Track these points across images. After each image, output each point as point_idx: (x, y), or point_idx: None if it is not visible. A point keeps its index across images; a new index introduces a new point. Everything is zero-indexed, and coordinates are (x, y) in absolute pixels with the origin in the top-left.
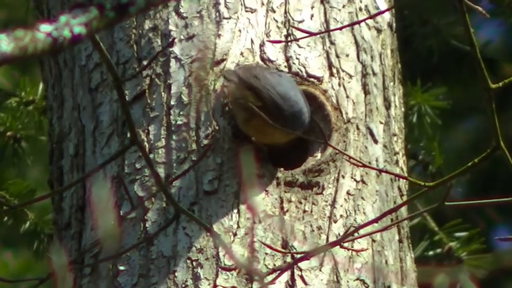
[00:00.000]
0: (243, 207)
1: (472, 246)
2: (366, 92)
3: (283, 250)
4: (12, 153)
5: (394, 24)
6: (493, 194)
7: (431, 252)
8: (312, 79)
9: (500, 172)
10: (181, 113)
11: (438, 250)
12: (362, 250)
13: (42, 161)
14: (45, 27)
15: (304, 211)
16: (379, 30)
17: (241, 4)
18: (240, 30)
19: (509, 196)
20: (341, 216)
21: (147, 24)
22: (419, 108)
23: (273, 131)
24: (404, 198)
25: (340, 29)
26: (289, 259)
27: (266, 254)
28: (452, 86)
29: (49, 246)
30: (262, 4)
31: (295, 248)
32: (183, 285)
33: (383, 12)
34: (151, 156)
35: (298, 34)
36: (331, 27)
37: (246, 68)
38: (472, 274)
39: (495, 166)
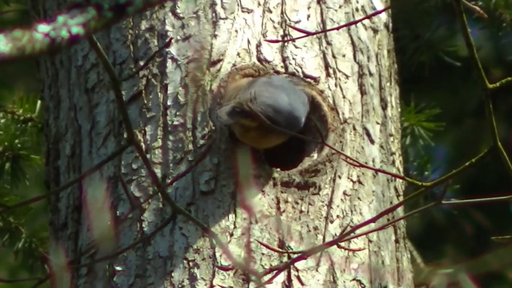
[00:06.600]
0: (239, 207)
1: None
2: (363, 93)
3: (280, 250)
4: (11, 174)
5: (390, 25)
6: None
7: None
8: (308, 79)
9: (488, 178)
10: (177, 113)
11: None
12: (359, 250)
13: (41, 180)
14: (43, 28)
15: (301, 211)
16: (375, 31)
17: (238, 4)
18: (236, 31)
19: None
20: (337, 216)
21: (144, 25)
22: (413, 130)
23: (269, 140)
24: (401, 198)
25: (337, 29)
26: (285, 259)
27: (263, 254)
28: (440, 95)
29: (43, 264)
30: (259, 4)
31: (291, 248)
32: (180, 286)
33: (379, 12)
34: (147, 156)
35: (295, 34)
36: (328, 28)
37: (244, 89)
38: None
39: (484, 172)
